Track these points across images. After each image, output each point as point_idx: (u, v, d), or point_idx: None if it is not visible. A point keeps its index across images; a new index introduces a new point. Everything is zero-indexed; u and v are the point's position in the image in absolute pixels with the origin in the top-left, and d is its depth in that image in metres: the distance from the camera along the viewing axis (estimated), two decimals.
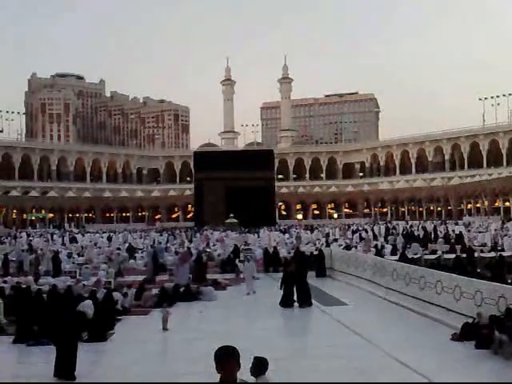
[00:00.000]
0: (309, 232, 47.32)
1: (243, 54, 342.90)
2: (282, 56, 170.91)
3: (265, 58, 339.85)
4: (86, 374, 9.81)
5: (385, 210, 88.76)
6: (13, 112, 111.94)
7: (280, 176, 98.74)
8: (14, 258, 29.25)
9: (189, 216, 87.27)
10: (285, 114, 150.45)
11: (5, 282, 19.17)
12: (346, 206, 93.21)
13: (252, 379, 4.81)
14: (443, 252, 25.70)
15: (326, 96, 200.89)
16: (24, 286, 17.03)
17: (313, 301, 16.62)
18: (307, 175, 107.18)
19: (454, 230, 41.23)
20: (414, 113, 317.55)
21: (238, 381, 4.00)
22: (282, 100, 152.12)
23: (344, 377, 9.23)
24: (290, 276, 16.55)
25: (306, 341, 13.10)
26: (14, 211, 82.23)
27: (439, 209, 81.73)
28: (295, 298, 16.36)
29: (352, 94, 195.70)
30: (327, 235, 44.07)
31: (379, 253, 25.80)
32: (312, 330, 13.89)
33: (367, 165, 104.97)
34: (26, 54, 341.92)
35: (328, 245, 30.58)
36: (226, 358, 3.98)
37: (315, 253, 25.19)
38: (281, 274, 23.41)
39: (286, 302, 16.08)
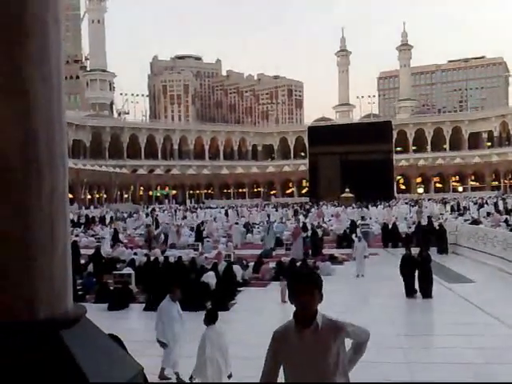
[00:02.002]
0: (435, 205, 45.86)
1: (358, 23, 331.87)
2: (400, 22, 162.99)
3: (382, 26, 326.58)
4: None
5: None
6: (137, 95, 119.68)
7: (398, 148, 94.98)
8: (142, 232, 31.49)
9: (303, 191, 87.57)
10: (404, 82, 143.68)
11: (135, 254, 20.67)
12: (472, 178, 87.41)
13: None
14: None
15: (450, 61, 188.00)
16: (152, 258, 18.22)
17: (436, 277, 15.81)
18: (428, 147, 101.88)
19: None
20: None
21: (318, 315, 2.96)
22: (400, 68, 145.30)
23: (462, 355, 8.71)
24: (409, 260, 14.30)
25: (428, 318, 12.58)
26: (141, 188, 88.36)
27: None
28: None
29: (478, 58, 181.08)
30: (464, 209, 42.11)
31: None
32: (435, 307, 13.25)
33: (496, 134, 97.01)
34: (148, 38, 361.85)
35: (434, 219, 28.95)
36: (302, 283, 2.95)
37: (437, 228, 23.96)
38: (400, 250, 22.79)
39: (408, 292, 13.98)
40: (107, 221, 42.79)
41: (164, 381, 7.96)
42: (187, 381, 7.31)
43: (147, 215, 45.03)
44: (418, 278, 13.86)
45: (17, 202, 2.69)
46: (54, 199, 2.80)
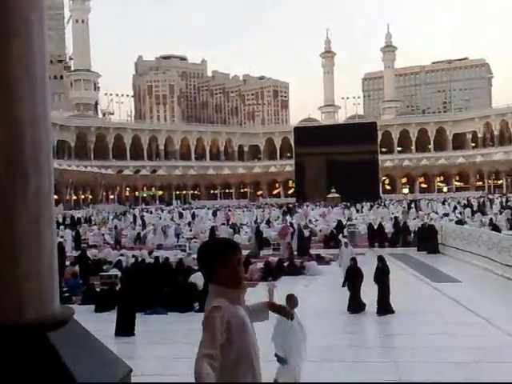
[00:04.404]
0: (439, 205, 46.72)
1: (343, 24, 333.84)
2: (384, 24, 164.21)
3: (367, 27, 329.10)
4: (191, 342, 10.20)
5: (499, 182, 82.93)
6: (122, 95, 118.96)
7: (383, 149, 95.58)
8: (128, 233, 31.31)
9: (290, 192, 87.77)
10: (388, 84, 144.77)
11: (121, 255, 20.48)
12: (457, 178, 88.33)
13: None
14: None
15: (433, 63, 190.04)
16: (140, 259, 18.07)
17: (423, 277, 15.92)
18: (413, 147, 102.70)
19: None
20: None
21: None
22: (385, 70, 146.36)
23: (458, 355, 8.74)
24: (354, 272, 12.67)
25: (415, 318, 12.59)
26: (127, 189, 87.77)
27: None
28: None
29: (462, 59, 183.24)
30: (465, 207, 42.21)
31: (496, 228, 24.13)
32: (423, 306, 13.30)
33: (480, 134, 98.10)
34: (132, 38, 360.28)
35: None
36: (239, 249, 2.66)
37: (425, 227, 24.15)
38: (387, 250, 22.94)
39: (351, 307, 12.27)
40: (104, 221, 42.72)
41: None
42: None
43: (134, 216, 44.72)
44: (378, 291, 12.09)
45: (2, 203, 2.63)
46: (39, 200, 2.75)
